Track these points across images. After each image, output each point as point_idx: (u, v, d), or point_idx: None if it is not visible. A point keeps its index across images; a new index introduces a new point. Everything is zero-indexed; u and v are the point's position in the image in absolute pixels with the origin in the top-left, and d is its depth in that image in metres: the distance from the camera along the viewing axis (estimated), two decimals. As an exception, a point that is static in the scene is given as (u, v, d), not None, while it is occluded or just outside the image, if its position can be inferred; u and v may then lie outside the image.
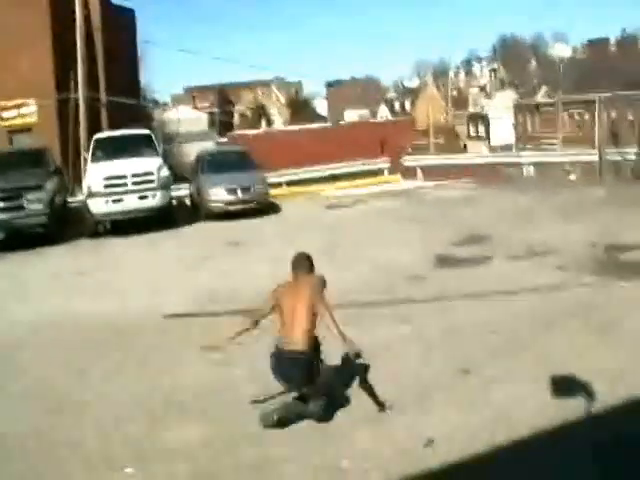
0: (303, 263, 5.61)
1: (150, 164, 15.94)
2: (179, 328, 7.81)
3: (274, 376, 5.19)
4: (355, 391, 5.54)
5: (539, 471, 4.21)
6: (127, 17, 29.47)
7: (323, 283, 5.47)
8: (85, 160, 18.37)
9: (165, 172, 16.19)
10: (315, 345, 5.21)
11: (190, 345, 7.06)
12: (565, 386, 5.25)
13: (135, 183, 15.42)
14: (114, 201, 15.21)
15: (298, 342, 5.11)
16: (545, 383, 5.31)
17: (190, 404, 5.62)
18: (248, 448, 4.78)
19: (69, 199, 17.91)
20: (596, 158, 21.00)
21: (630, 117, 31.06)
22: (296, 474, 4.46)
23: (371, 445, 4.73)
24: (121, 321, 8.07)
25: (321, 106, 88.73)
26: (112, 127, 22.22)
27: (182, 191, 20.31)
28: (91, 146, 16.96)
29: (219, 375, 6.19)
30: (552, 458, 4.36)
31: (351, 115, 68.45)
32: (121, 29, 27.66)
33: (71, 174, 20.52)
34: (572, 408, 4.91)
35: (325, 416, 5.14)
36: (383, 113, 75.11)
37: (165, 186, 16.05)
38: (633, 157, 19.34)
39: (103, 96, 25.29)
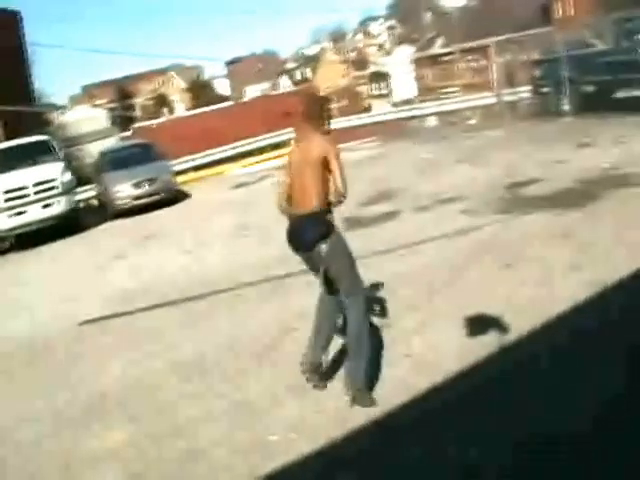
0: (313, 109, 4.82)
1: (51, 170, 15.49)
2: (94, 334, 7.59)
3: (291, 249, 4.84)
4: (271, 359, 5.55)
5: (459, 412, 4.29)
6: (12, 19, 27.94)
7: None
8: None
9: (68, 176, 15.80)
10: (328, 205, 4.69)
11: (106, 349, 6.91)
12: (479, 325, 5.37)
13: (37, 192, 15.00)
14: (17, 214, 14.76)
15: (309, 205, 4.62)
16: (460, 326, 5.43)
17: (112, 408, 5.45)
18: (176, 441, 4.69)
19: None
20: (494, 101, 21.49)
21: (523, 58, 31.85)
22: (226, 457, 4.40)
23: (296, 414, 4.71)
24: (33, 338, 7.76)
25: (222, 86, 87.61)
26: (8, 138, 21.31)
27: (88, 193, 19.86)
28: (-16, 162, 16.30)
29: (138, 374, 6.05)
30: (470, 396, 4.45)
31: (253, 91, 67.78)
32: (6, 32, 26.22)
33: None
34: (486, 345, 5.03)
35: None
36: (285, 84, 74.73)
37: (69, 191, 15.69)
38: (528, 96, 19.85)
39: (-7, 107, 24.17)
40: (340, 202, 4.67)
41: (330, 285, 4.81)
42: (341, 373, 4.99)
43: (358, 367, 4.65)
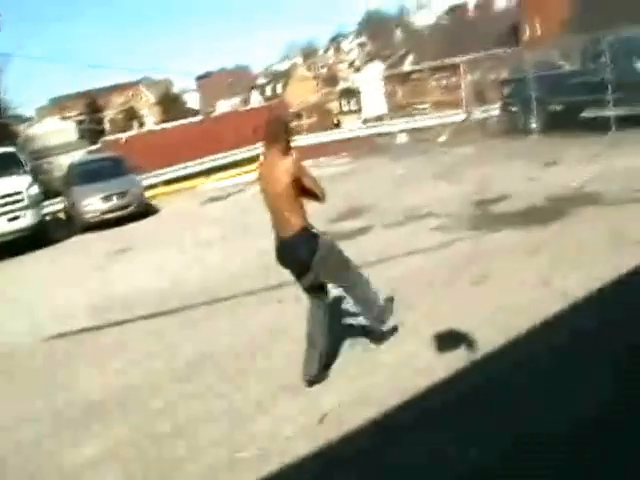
0: (275, 131, 4.96)
1: (18, 183, 15.32)
2: (64, 347, 7.55)
3: (284, 267, 5.19)
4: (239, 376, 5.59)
5: (458, 412, 4.34)
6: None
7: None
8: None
9: (35, 189, 15.63)
10: (307, 225, 5.05)
11: (85, 360, 6.93)
12: (448, 340, 5.42)
13: (3, 205, 14.80)
14: (-18, 227, 14.54)
15: (290, 228, 4.96)
16: (431, 340, 5.47)
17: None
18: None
19: None
20: (463, 118, 21.73)
21: (492, 76, 32.34)
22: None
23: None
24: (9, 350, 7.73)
25: (192, 100, 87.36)
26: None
27: (56, 206, 19.64)
28: (-52, 174, 16.01)
29: (127, 380, 6.08)
30: (469, 396, 4.51)
31: (224, 106, 67.74)
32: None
33: None
34: (455, 360, 5.07)
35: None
36: (255, 100, 74.78)
37: (36, 204, 15.50)
38: (497, 114, 20.11)
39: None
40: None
41: (321, 288, 5.20)
42: (337, 373, 5.24)
43: (377, 317, 5.42)
